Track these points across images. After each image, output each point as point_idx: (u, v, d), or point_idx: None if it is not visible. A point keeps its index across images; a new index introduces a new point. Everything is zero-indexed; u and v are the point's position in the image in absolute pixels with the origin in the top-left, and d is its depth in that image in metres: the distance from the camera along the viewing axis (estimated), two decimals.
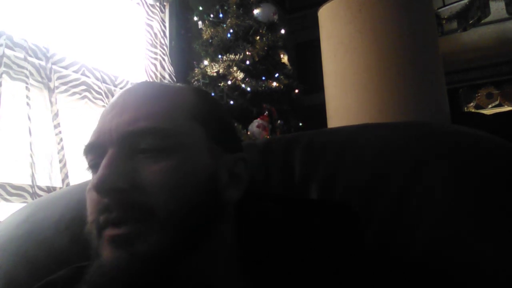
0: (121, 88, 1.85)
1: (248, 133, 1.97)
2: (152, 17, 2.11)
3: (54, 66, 1.50)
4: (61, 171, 1.40)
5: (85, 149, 0.48)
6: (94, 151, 0.47)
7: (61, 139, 1.42)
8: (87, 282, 0.42)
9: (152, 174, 0.43)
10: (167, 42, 2.20)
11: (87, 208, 0.46)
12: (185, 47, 2.32)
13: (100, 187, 0.42)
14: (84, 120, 1.64)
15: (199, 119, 0.48)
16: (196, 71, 2.14)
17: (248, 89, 2.05)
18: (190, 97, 0.50)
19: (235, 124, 1.94)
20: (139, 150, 0.44)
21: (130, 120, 0.45)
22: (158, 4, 2.15)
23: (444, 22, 2.82)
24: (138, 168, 0.43)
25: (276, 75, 2.18)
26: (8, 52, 1.34)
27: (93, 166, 0.47)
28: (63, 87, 1.56)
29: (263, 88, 2.07)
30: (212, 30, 2.17)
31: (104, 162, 0.43)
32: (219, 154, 0.49)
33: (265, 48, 2.14)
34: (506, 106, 3.19)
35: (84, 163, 0.49)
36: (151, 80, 2.04)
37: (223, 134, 0.51)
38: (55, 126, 1.42)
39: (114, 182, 0.42)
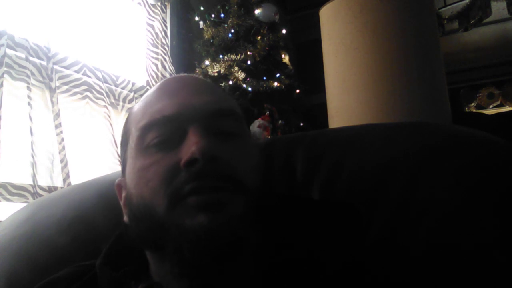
0: (122, 88, 1.85)
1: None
2: (153, 17, 2.11)
3: (55, 66, 1.50)
4: (62, 171, 1.40)
5: (157, 122, 0.47)
6: (167, 127, 0.46)
7: (62, 139, 1.42)
8: (174, 249, 0.42)
9: (231, 150, 0.46)
10: (168, 42, 2.20)
11: (150, 183, 0.44)
12: (186, 47, 2.33)
13: (206, 152, 0.42)
14: (85, 120, 1.64)
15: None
16: (197, 71, 2.14)
17: (249, 89, 2.05)
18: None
19: None
20: (217, 131, 0.46)
21: (213, 100, 0.48)
22: (159, 4, 2.15)
23: (445, 22, 2.82)
24: (220, 145, 0.45)
25: (277, 75, 2.18)
26: (9, 52, 1.34)
27: (160, 143, 0.46)
28: (65, 87, 1.57)
29: (264, 88, 2.07)
30: (213, 30, 2.17)
31: (195, 134, 0.44)
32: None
33: (266, 48, 2.14)
34: (507, 106, 3.18)
35: (143, 139, 0.47)
36: (153, 80, 2.04)
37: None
38: (57, 126, 1.42)
39: (215, 151, 0.43)
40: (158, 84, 0.53)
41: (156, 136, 0.46)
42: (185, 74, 0.54)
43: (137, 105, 0.52)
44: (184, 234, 0.41)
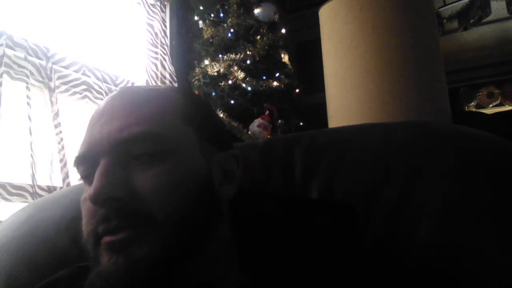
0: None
1: (249, 132, 1.97)
2: (152, 16, 2.11)
3: (54, 66, 1.49)
4: (61, 170, 1.40)
5: (76, 161, 0.47)
6: (86, 162, 0.46)
7: (61, 139, 1.42)
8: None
9: (148, 179, 0.43)
10: (168, 41, 2.20)
11: (83, 218, 0.45)
12: (185, 46, 2.32)
13: (96, 198, 0.41)
14: (85, 120, 1.64)
15: (189, 121, 0.48)
16: (196, 71, 2.14)
17: (249, 88, 2.05)
18: (178, 99, 0.50)
19: (233, 123, 1.94)
20: (132, 157, 0.44)
21: (122, 126, 0.44)
22: (158, 3, 2.15)
23: (445, 21, 2.82)
24: (133, 175, 0.43)
25: (277, 74, 2.18)
26: (8, 51, 1.34)
27: (86, 177, 0.47)
28: (64, 87, 1.56)
29: (263, 87, 2.07)
30: (212, 29, 2.17)
31: (98, 172, 0.43)
32: (211, 154, 0.49)
33: (266, 47, 2.14)
34: (507, 106, 3.19)
35: (76, 174, 0.48)
36: (153, 80, 2.04)
37: (213, 133, 0.51)
38: (56, 126, 1.42)
39: (110, 192, 0.42)
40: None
41: (83, 170, 0.47)
42: (125, 87, 0.53)
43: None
44: (95, 274, 0.42)
